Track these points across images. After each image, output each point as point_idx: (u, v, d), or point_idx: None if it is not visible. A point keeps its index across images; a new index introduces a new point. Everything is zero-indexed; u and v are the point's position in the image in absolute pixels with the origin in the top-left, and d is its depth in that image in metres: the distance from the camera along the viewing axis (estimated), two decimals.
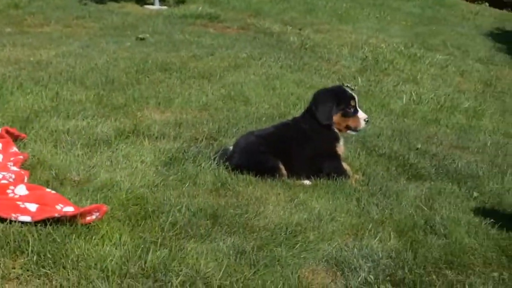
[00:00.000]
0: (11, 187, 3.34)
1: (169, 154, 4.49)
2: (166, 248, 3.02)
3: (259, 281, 2.85)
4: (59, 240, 2.92)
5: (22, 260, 2.78)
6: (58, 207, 3.18)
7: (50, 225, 3.05)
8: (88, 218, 3.08)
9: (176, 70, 7.31)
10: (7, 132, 4.31)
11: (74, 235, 2.98)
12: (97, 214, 3.11)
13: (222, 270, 2.88)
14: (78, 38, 9.17)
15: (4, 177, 3.53)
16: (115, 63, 7.27)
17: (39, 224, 3.05)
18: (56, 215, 3.06)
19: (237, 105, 6.20)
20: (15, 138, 4.33)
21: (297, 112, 5.44)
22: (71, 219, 3.06)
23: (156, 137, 4.89)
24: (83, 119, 5.10)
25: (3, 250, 2.82)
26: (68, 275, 2.71)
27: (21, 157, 4.00)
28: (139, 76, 6.85)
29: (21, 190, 3.34)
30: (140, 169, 4.13)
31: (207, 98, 6.29)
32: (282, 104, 6.40)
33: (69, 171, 3.92)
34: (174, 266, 2.88)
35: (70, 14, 11.22)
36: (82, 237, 2.98)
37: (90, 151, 4.37)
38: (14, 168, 3.80)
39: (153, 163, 4.29)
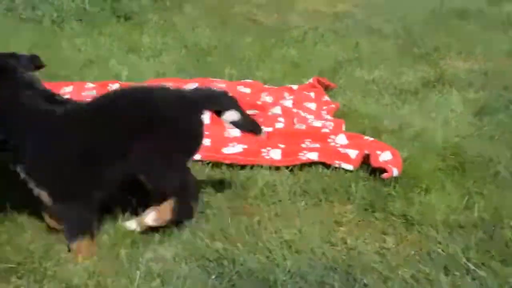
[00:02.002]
0: (332, 136, 3.45)
1: (479, 104, 4.27)
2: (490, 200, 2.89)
3: None
4: (384, 190, 2.95)
5: (350, 207, 2.86)
6: (379, 152, 3.19)
7: (371, 174, 3.11)
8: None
9: (474, 17, 6.92)
10: (318, 82, 4.45)
11: (397, 185, 2.99)
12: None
13: None
14: None
15: (324, 125, 3.65)
16: (413, 12, 7.10)
17: (361, 171, 3.12)
18: (380, 163, 3.09)
19: None
20: (326, 88, 4.45)
21: None
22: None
23: (463, 86, 4.68)
24: (386, 69, 5.07)
25: (333, 196, 2.93)
26: (394, 222, 2.74)
27: (333, 106, 4.11)
28: (437, 25, 6.59)
29: (341, 139, 3.43)
30: (451, 118, 3.99)
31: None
32: None
33: (380, 120, 3.93)
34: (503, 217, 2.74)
35: None
36: (408, 189, 2.96)
37: (398, 100, 4.34)
38: (328, 117, 3.92)
39: (463, 113, 4.12)
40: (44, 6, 7.25)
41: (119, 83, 4.56)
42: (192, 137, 2.66)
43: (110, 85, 4.52)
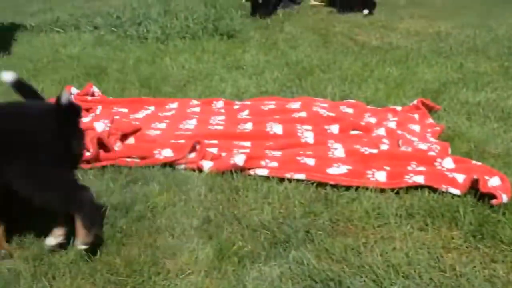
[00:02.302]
0: (439, 160, 3.40)
1: None
2: None
3: None
4: (493, 216, 2.88)
5: (457, 232, 2.81)
6: (487, 178, 3.12)
7: (479, 199, 3.04)
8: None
9: None
10: (423, 103, 4.40)
11: (506, 212, 2.91)
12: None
13: None
14: (473, 8, 8.95)
15: (430, 148, 3.61)
16: None
17: (469, 196, 3.06)
18: (488, 188, 3.02)
19: None
20: (430, 110, 4.39)
21: None
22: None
23: None
24: (492, 91, 4.94)
25: (439, 220, 2.89)
26: (504, 250, 2.66)
27: (437, 128, 4.04)
28: None
29: (448, 163, 3.37)
30: None
31: None
32: None
33: (487, 143, 3.84)
34: None
35: None
36: None
37: (505, 124, 4.22)
38: (433, 140, 3.86)
39: None
40: (149, 24, 7.55)
41: (223, 100, 4.68)
42: (59, 148, 2.55)
43: (215, 102, 4.64)
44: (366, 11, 8.48)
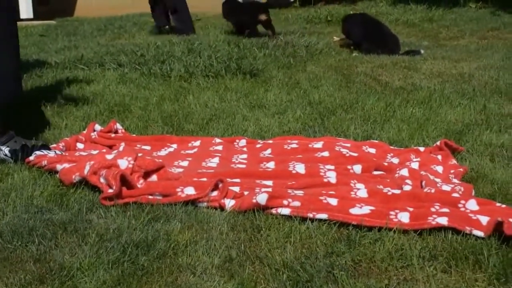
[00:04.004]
0: (462, 201, 3.37)
1: None
2: None
3: None
4: None
5: (481, 275, 2.77)
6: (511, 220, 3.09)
7: (503, 242, 3.00)
8: None
9: None
10: (446, 144, 4.38)
11: None
12: None
13: None
14: (496, 50, 8.95)
15: (453, 190, 3.58)
16: None
17: (493, 239, 3.02)
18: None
19: None
20: (453, 151, 4.37)
21: None
22: None
23: None
24: None
25: (463, 263, 2.85)
26: None
27: (461, 169, 4.02)
28: None
29: (472, 204, 3.34)
30: None
31: None
32: None
33: (511, 186, 3.80)
34: None
35: (484, 25, 11.07)
36: None
37: None
38: (456, 181, 3.84)
39: None
40: (173, 62, 7.67)
41: (246, 139, 4.70)
42: None
43: (237, 141, 4.67)
44: (422, 51, 8.59)
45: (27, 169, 4.12)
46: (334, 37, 9.65)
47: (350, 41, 9.33)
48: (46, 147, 4.34)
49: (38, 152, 4.21)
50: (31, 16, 14.59)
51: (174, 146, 4.64)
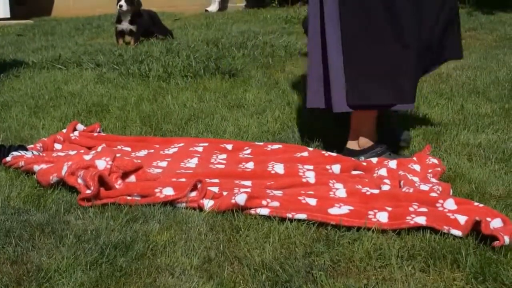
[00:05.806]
0: (440, 201, 3.39)
1: None
2: None
3: None
4: (495, 258, 2.86)
5: (459, 274, 2.79)
6: (489, 219, 3.11)
7: (481, 241, 3.03)
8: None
9: None
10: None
11: (508, 253, 2.89)
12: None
13: None
14: (473, 50, 9.03)
15: (431, 189, 3.60)
16: None
17: (470, 238, 3.05)
18: (490, 230, 3.00)
19: None
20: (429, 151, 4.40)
21: None
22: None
23: None
24: (493, 133, 4.95)
25: (441, 262, 2.87)
26: None
27: (438, 169, 4.04)
28: None
29: (450, 204, 3.36)
30: None
31: None
32: None
33: (488, 185, 3.83)
34: None
35: (461, 26, 11.11)
36: None
37: (506, 165, 4.22)
38: (434, 180, 3.86)
39: None
40: (151, 62, 7.64)
41: (233, 142, 4.61)
42: None
43: (225, 144, 4.59)
44: None
45: (3, 170, 4.07)
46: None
47: None
48: (23, 147, 4.29)
49: (15, 153, 4.16)
50: (8, 15, 14.45)
51: (157, 147, 4.62)
